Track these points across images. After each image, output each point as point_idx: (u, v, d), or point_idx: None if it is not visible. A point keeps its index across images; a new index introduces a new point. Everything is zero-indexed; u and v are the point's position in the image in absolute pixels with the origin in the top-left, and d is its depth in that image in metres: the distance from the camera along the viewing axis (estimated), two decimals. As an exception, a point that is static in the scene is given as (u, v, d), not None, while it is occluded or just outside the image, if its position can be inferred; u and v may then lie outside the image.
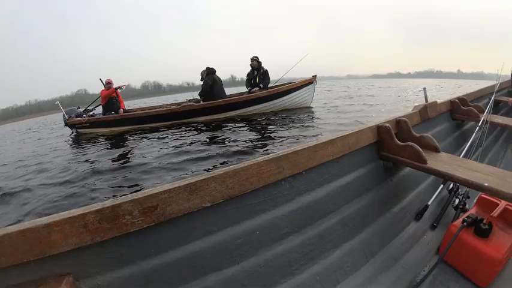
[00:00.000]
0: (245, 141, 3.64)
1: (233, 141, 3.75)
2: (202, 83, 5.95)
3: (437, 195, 1.34)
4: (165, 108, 6.12)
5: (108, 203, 0.59)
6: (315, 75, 5.93)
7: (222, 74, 6.28)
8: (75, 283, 0.56)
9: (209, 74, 5.89)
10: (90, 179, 2.81)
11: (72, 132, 6.45)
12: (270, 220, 0.79)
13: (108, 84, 6.22)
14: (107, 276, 0.60)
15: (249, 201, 0.76)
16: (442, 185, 1.38)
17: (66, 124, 6.43)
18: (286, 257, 0.82)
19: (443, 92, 10.82)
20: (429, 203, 1.29)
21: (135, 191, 0.81)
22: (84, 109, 6.75)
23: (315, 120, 4.93)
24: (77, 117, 6.36)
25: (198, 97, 6.21)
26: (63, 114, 6.52)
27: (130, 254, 0.62)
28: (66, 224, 0.55)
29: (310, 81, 5.88)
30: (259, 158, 0.78)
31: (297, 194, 0.86)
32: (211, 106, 5.70)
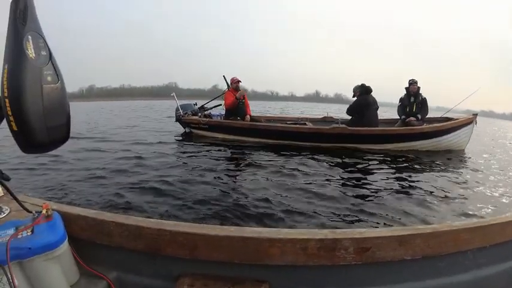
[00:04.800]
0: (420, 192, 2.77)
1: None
2: (353, 99, 4.91)
3: None
4: (307, 126, 4.96)
5: (330, 234, 0.67)
6: (476, 114, 4.76)
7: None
8: None
9: (363, 94, 4.78)
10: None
11: (185, 131, 5.73)
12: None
13: (235, 83, 5.23)
14: None
15: (439, 263, 0.76)
16: None
17: (178, 120, 5.68)
18: None
19: None
20: None
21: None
22: (200, 106, 6.03)
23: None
24: (193, 115, 5.62)
25: (334, 115, 5.48)
26: (177, 108, 5.70)
27: (326, 282, 0.70)
28: (289, 243, 0.64)
29: (470, 121, 4.68)
30: (460, 224, 0.78)
31: (476, 267, 0.81)
32: (367, 134, 4.50)
